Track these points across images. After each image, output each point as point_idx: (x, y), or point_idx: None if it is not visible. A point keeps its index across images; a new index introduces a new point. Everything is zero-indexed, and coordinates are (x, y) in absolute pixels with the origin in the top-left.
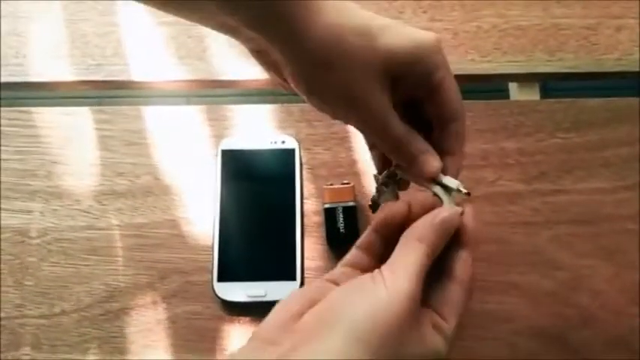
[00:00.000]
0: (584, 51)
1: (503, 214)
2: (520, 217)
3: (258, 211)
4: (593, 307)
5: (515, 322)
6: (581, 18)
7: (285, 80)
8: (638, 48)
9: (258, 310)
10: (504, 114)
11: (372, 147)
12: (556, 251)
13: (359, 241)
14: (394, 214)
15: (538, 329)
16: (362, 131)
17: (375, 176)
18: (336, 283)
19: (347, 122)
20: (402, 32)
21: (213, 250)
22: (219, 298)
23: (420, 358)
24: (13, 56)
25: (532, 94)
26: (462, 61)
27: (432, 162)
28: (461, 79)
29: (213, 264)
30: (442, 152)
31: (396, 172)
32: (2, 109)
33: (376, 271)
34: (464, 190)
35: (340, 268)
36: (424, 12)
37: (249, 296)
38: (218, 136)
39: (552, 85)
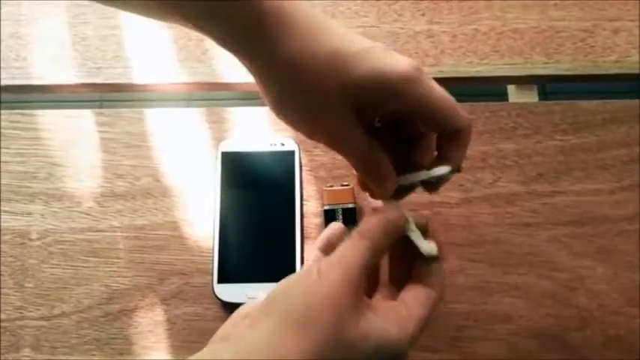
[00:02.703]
0: (581, 53)
1: (502, 216)
2: (518, 218)
3: (258, 213)
4: (591, 308)
5: (514, 322)
6: (579, 20)
7: None
8: (635, 50)
9: None
10: (502, 116)
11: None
12: (555, 252)
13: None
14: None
15: (537, 330)
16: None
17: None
18: None
19: (312, 139)
20: (374, 62)
21: (213, 252)
22: (219, 299)
23: (364, 341)
24: (14, 59)
25: (530, 97)
26: (460, 64)
27: (388, 186)
28: (459, 81)
29: (213, 265)
30: (447, 158)
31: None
32: (3, 111)
33: (312, 264)
34: (454, 169)
35: None
36: (422, 15)
37: (249, 298)
38: (218, 139)
39: (551, 87)
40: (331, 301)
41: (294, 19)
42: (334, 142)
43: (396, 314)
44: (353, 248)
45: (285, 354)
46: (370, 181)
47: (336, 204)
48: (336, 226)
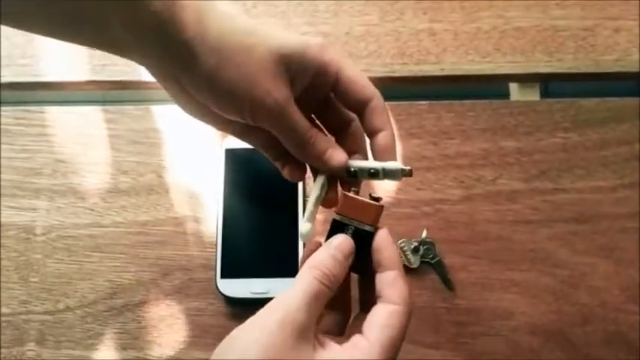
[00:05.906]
0: (582, 52)
1: (504, 213)
2: (520, 215)
3: (261, 209)
4: (592, 305)
5: (516, 319)
6: (580, 19)
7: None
8: (636, 49)
9: (260, 306)
10: (504, 114)
11: (275, 159)
12: (556, 249)
13: None
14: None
15: (538, 326)
16: (271, 129)
17: None
18: None
19: (254, 122)
20: (288, 33)
21: (216, 248)
22: (222, 294)
23: None
24: (19, 56)
25: (532, 95)
26: (462, 62)
27: (338, 155)
28: (461, 79)
29: (216, 261)
30: (374, 132)
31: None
32: (8, 108)
33: (271, 302)
34: (407, 168)
35: None
36: (424, 13)
37: (252, 293)
38: (222, 135)
39: (553, 86)
40: (264, 348)
41: (211, 5)
42: (279, 116)
43: (352, 347)
44: (305, 282)
45: None
46: (317, 157)
47: (352, 218)
48: (315, 242)
